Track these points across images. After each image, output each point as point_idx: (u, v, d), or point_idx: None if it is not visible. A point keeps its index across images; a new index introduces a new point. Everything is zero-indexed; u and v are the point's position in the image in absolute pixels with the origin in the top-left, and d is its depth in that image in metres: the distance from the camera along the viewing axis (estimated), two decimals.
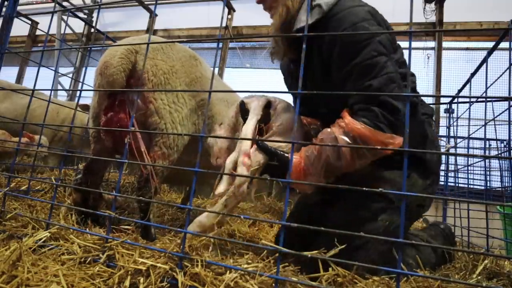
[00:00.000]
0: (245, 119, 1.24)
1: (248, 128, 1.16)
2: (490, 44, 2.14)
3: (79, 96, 1.74)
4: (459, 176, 3.12)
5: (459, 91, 2.82)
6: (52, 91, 2.23)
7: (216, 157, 1.30)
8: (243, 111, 1.25)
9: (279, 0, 1.28)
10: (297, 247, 1.25)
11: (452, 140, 3.13)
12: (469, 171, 3.44)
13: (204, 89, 1.69)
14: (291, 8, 1.25)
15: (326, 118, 1.35)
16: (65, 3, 7.04)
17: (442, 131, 4.71)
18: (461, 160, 3.69)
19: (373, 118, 1.05)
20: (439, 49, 5.19)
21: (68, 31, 7.41)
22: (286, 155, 1.12)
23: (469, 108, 2.26)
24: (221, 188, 1.15)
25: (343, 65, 1.12)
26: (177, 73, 1.58)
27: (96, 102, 1.52)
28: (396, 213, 1.15)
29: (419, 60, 5.35)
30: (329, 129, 1.10)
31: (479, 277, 1.34)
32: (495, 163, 3.85)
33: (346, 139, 1.03)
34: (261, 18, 6.46)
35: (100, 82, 1.45)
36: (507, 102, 1.89)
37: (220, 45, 6.45)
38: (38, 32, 8.12)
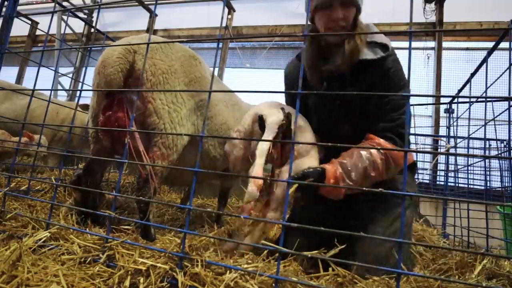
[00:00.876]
0: (262, 130, 1.29)
1: (264, 149, 1.20)
2: (490, 44, 2.14)
3: (79, 96, 1.74)
4: (459, 176, 3.12)
5: (459, 91, 2.82)
6: (52, 91, 2.23)
7: (233, 165, 1.37)
8: (261, 122, 1.33)
9: (356, 29, 1.45)
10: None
11: (452, 140, 3.13)
12: (469, 171, 3.44)
13: (204, 89, 1.69)
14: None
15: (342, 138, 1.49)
16: (65, 3, 7.04)
17: (442, 131, 4.72)
18: (461, 160, 3.69)
19: (393, 143, 1.37)
20: (439, 49, 5.19)
21: (68, 31, 7.42)
22: (318, 169, 1.27)
23: (469, 108, 2.26)
24: (253, 189, 1.13)
25: (384, 96, 1.45)
26: (176, 73, 1.57)
27: (95, 101, 1.52)
28: (413, 205, 1.55)
29: (419, 60, 5.35)
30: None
31: (479, 277, 1.34)
32: (495, 163, 3.85)
33: (380, 155, 1.31)
34: (261, 18, 6.47)
35: (98, 81, 1.45)
36: (507, 102, 1.89)
37: (220, 45, 6.44)
38: (38, 32, 8.13)
